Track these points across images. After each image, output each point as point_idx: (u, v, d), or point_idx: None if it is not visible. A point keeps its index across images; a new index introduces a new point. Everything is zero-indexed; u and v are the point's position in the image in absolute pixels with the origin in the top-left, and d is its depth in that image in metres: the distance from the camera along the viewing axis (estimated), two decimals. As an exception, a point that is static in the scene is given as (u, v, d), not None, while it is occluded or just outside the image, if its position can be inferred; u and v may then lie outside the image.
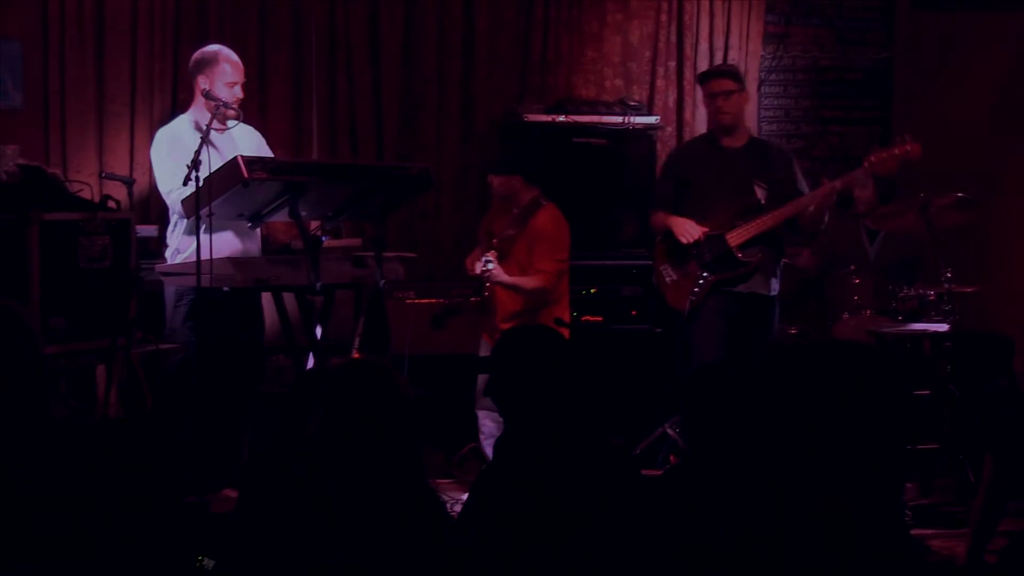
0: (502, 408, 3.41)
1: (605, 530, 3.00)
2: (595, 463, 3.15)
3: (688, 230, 5.56)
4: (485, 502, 3.17)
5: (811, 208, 5.56)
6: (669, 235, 5.67)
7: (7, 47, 6.13)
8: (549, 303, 5.53)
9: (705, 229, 5.54)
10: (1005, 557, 3.96)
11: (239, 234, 5.30)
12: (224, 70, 5.35)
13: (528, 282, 5.41)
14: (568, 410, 3.24)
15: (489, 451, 5.74)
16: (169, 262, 5.33)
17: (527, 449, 3.19)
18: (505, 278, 5.36)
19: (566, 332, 5.37)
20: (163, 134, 5.45)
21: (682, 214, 5.65)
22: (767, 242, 5.60)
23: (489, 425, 5.71)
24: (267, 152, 5.49)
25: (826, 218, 5.67)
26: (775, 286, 5.68)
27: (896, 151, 5.53)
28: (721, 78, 5.73)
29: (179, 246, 5.33)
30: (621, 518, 3.03)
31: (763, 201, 5.58)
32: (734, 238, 5.55)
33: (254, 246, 5.44)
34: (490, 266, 5.30)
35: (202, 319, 5.06)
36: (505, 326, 5.47)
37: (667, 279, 5.69)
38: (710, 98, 5.72)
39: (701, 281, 5.58)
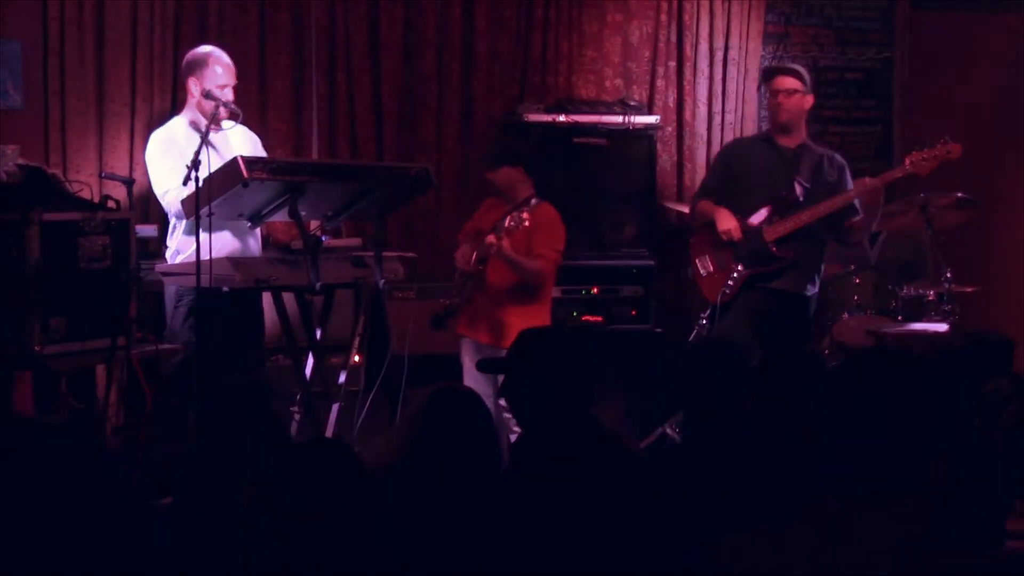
0: (517, 410, 3.40)
1: (620, 531, 3.00)
2: (612, 465, 3.15)
3: (729, 228, 5.53)
4: (503, 505, 3.16)
5: (856, 206, 5.49)
6: (709, 227, 5.65)
7: (7, 47, 6.13)
8: (537, 299, 5.54)
9: (740, 234, 5.52)
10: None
11: (239, 233, 5.30)
12: (215, 72, 5.34)
13: (529, 263, 5.43)
14: (585, 411, 3.23)
15: None
16: (169, 263, 5.33)
17: (545, 452, 3.18)
18: (511, 253, 5.37)
19: None
20: (158, 135, 5.44)
21: (729, 207, 5.64)
22: (805, 240, 5.57)
23: None
24: (263, 154, 5.49)
25: (875, 222, 5.62)
26: (811, 288, 5.62)
27: (938, 151, 5.50)
28: (785, 76, 5.70)
29: (179, 247, 5.33)
30: (634, 519, 3.03)
31: (801, 199, 5.56)
32: (771, 233, 5.52)
33: (255, 245, 5.44)
34: (510, 225, 5.30)
35: (202, 320, 5.06)
36: (500, 313, 5.49)
37: (702, 271, 5.66)
38: (771, 95, 5.71)
39: (735, 274, 5.55)
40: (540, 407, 3.26)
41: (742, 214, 5.62)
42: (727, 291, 5.56)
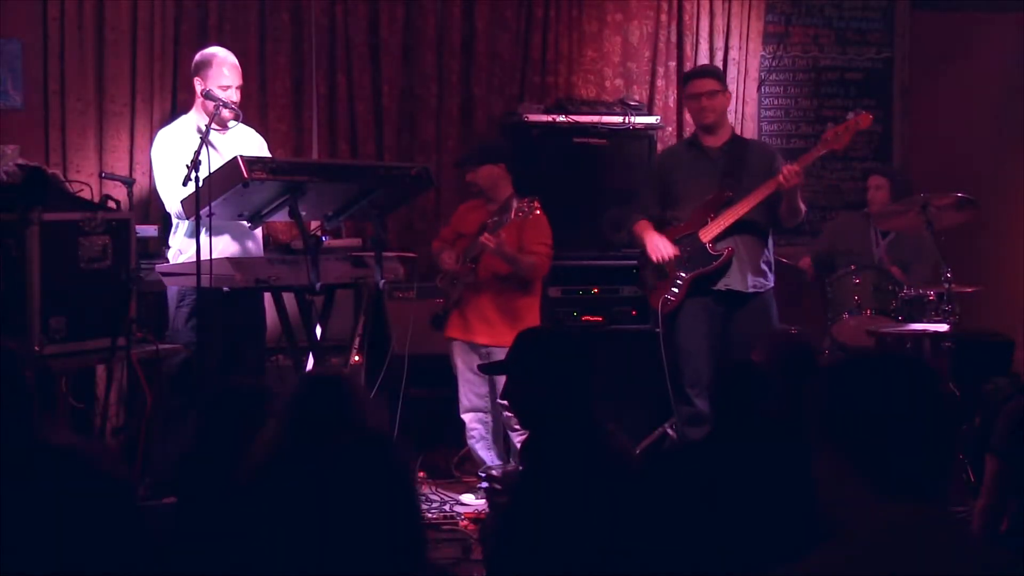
0: (520, 412, 3.40)
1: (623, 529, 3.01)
2: (611, 462, 3.16)
3: (659, 247, 5.57)
4: (526, 509, 3.17)
5: (781, 193, 5.49)
6: None
7: (7, 47, 6.13)
8: (529, 295, 5.58)
9: (675, 251, 5.54)
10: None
11: (240, 234, 5.30)
12: (220, 72, 5.35)
13: (525, 258, 5.48)
14: (586, 410, 3.24)
15: (482, 453, 5.76)
16: (172, 262, 5.33)
17: (553, 453, 3.18)
18: (510, 250, 5.40)
19: None
20: (164, 134, 5.46)
21: (668, 216, 5.69)
22: (741, 235, 5.57)
23: (478, 428, 5.73)
24: (268, 155, 5.49)
25: (802, 207, 5.62)
26: (755, 282, 5.60)
27: (849, 124, 5.55)
28: (704, 78, 5.74)
29: (181, 247, 5.34)
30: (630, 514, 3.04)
31: (732, 194, 5.57)
32: (706, 233, 5.56)
33: (255, 246, 5.44)
34: (519, 216, 5.32)
35: (203, 319, 5.06)
36: (494, 312, 5.51)
37: (649, 282, 5.71)
38: (693, 99, 5.72)
39: (679, 281, 5.59)
40: (542, 408, 3.27)
41: (678, 222, 5.65)
42: (671, 299, 5.59)
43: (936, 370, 1.91)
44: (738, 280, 5.57)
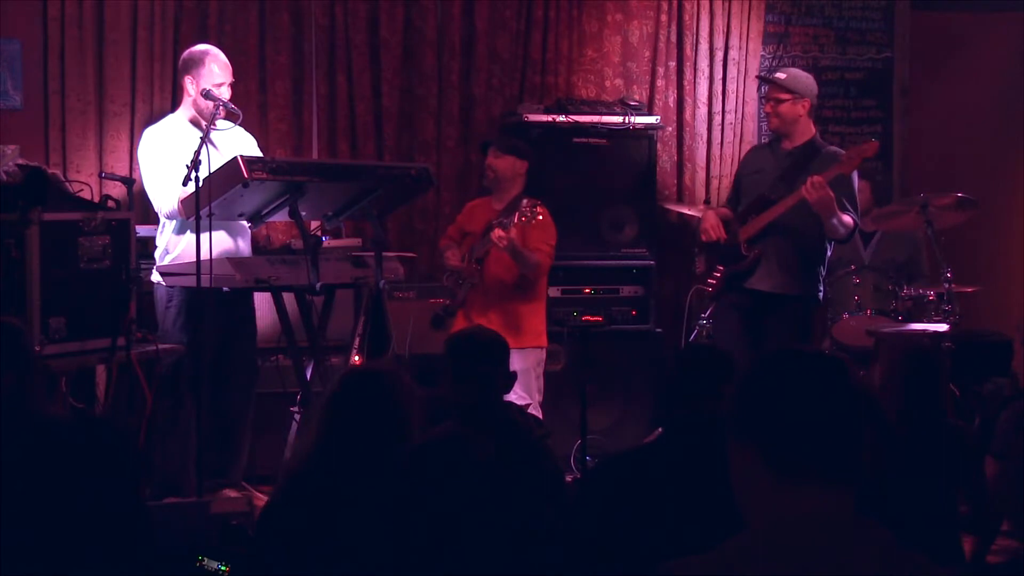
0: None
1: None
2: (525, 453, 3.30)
3: (707, 227, 5.67)
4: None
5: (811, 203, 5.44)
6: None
7: (7, 47, 6.13)
8: (537, 295, 5.57)
9: (722, 235, 5.61)
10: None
11: (231, 233, 5.29)
12: (211, 71, 5.33)
13: (531, 255, 5.47)
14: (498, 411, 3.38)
15: None
16: (159, 263, 5.32)
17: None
18: (520, 246, 5.39)
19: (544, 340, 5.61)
20: (152, 132, 5.42)
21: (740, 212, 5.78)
22: (780, 239, 5.54)
23: None
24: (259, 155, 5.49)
25: (845, 220, 5.49)
26: (781, 284, 5.54)
27: (861, 148, 5.43)
28: (770, 86, 5.74)
29: (168, 246, 5.32)
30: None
31: (773, 198, 5.56)
32: (744, 232, 5.58)
33: (245, 245, 5.43)
34: (523, 220, 5.33)
35: (192, 320, 5.06)
36: (503, 312, 5.50)
37: (697, 270, 5.81)
38: (765, 101, 5.83)
39: (717, 273, 5.64)
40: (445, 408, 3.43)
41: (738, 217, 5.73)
42: (707, 289, 5.71)
43: (844, 362, 1.92)
44: (762, 281, 5.56)
